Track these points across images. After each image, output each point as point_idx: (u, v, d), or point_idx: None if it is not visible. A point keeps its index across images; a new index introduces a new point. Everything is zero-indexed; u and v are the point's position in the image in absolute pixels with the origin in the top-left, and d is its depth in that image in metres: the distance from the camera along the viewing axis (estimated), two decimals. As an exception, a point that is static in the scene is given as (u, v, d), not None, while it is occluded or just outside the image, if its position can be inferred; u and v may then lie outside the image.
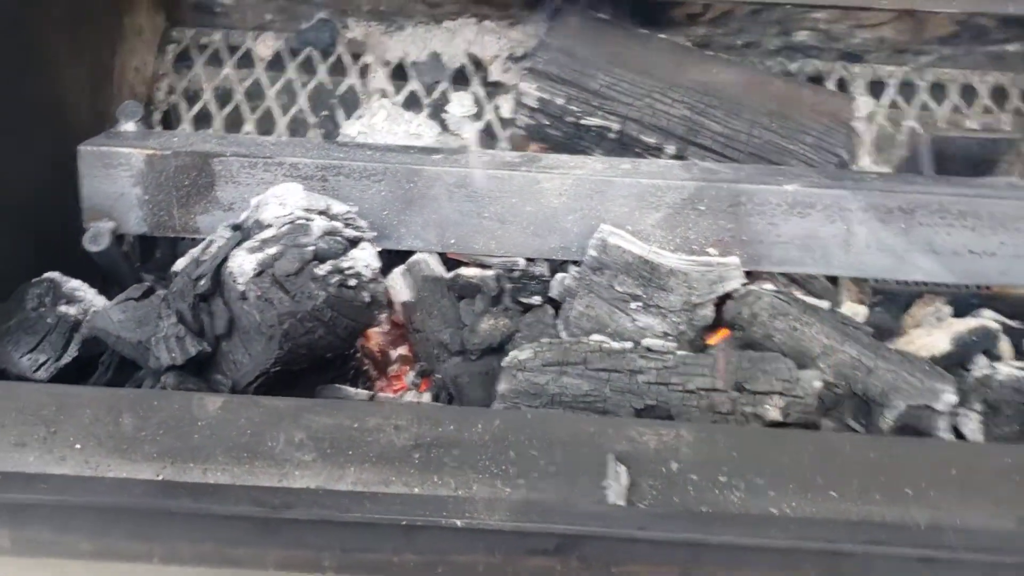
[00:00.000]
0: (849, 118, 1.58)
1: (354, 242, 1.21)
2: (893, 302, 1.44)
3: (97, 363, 1.22)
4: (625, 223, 1.31)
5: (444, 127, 1.77)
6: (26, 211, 1.30)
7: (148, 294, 1.16)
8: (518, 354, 1.19)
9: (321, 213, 1.22)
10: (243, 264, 1.13)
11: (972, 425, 1.19)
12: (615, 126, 1.56)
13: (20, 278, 1.26)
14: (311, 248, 1.15)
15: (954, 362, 1.30)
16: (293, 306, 1.09)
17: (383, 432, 0.93)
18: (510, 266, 1.35)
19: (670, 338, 1.25)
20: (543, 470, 0.91)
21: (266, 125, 1.78)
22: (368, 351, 1.33)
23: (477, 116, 1.79)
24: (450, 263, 1.38)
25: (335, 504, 0.89)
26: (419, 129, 1.76)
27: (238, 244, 1.18)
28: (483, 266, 1.36)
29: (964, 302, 1.43)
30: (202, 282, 1.15)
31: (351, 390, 1.20)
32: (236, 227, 1.23)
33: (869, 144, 1.78)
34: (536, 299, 1.31)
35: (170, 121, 1.77)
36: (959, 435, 1.19)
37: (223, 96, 1.80)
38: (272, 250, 1.14)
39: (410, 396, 1.30)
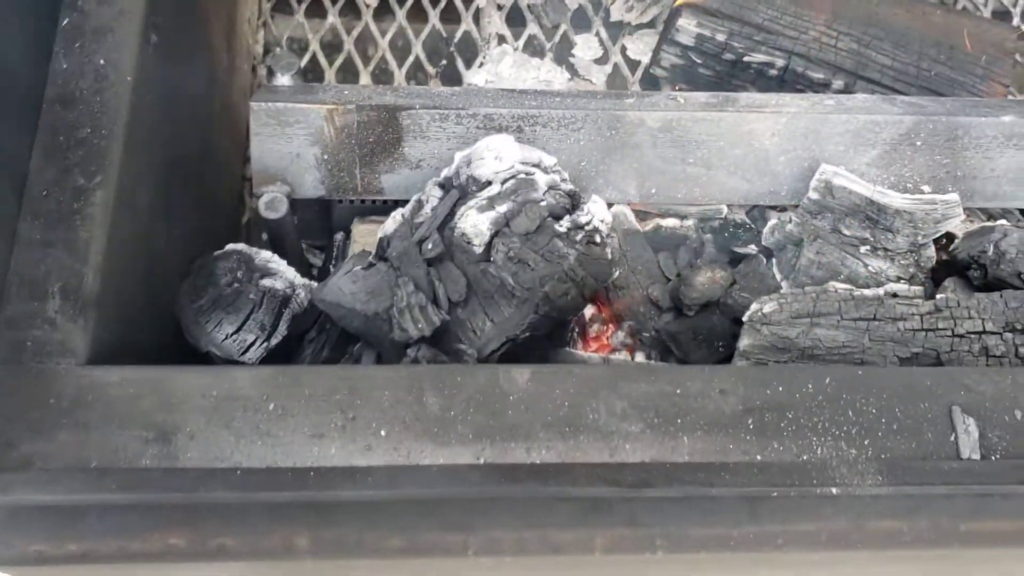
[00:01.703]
0: (1013, 48, 1.52)
1: (571, 195, 1.11)
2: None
3: (303, 341, 1.11)
4: (839, 162, 1.23)
5: (574, 72, 1.67)
6: (189, 169, 1.18)
7: (371, 264, 1.06)
8: (761, 307, 1.12)
9: (536, 166, 1.12)
10: (476, 224, 1.04)
11: None
12: (780, 62, 1.48)
13: (189, 243, 1.15)
14: (543, 203, 1.06)
15: None
16: (549, 267, 1.00)
17: (708, 397, 0.85)
18: (710, 215, 1.27)
19: (904, 281, 1.19)
20: (886, 428, 0.85)
21: (382, 77, 1.66)
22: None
23: (604, 60, 1.69)
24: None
25: (676, 478, 0.82)
26: (548, 75, 1.66)
27: (457, 202, 1.08)
28: (679, 216, 1.28)
29: None
30: (429, 245, 1.05)
31: (583, 354, 1.12)
32: (444, 185, 1.13)
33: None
34: (751, 247, 1.23)
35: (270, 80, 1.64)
36: None
37: (331, 47, 1.67)
38: (503, 208, 1.05)
39: (619, 357, 1.22)
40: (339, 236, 1.34)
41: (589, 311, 1.29)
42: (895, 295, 1.12)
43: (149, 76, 0.99)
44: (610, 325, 1.26)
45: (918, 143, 1.23)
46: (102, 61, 0.94)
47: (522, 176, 1.08)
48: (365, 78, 1.65)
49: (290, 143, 1.19)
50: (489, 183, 1.09)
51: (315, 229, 1.35)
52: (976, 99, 1.35)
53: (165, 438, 0.81)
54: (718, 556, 0.85)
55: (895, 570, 0.92)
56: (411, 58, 1.67)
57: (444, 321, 1.02)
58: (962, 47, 1.49)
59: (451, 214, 1.08)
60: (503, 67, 1.64)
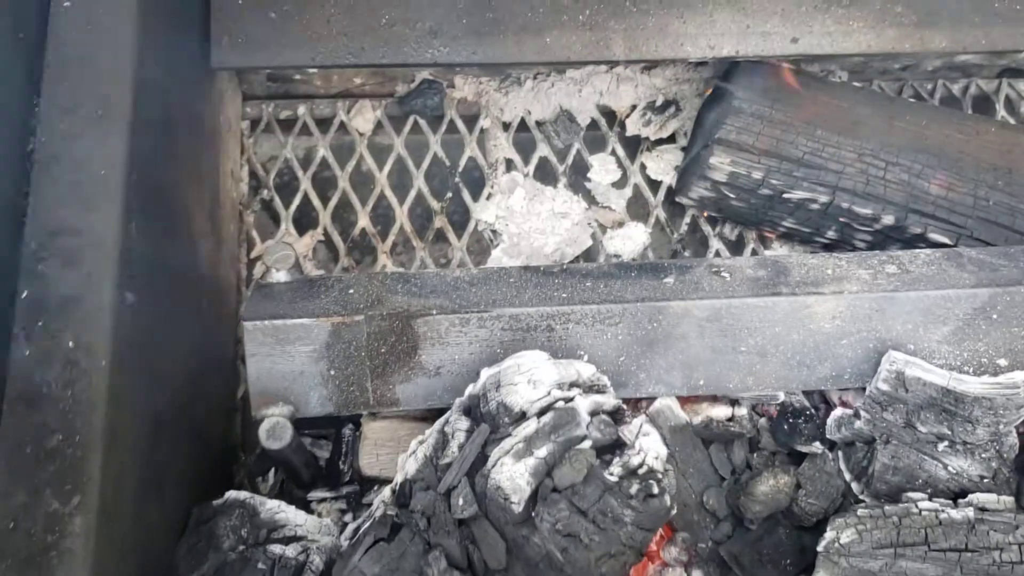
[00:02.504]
0: (1076, 163, 1.39)
1: (615, 414, 0.98)
2: None
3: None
4: (907, 341, 1.10)
5: (591, 200, 1.53)
6: (177, 406, 1.03)
7: (395, 529, 0.92)
8: (837, 535, 0.99)
9: (573, 384, 0.99)
10: (513, 476, 0.90)
11: None
12: (823, 198, 1.34)
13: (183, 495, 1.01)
14: (588, 443, 0.92)
15: None
16: (604, 539, 0.87)
17: None
18: (766, 401, 1.14)
19: (987, 481, 1.06)
20: None
21: (382, 217, 1.51)
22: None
23: (622, 182, 1.55)
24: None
25: None
26: (564, 206, 1.52)
27: (487, 439, 0.94)
28: (732, 401, 1.15)
29: None
30: (460, 502, 0.91)
31: (639, 598, 0.99)
32: (469, 411, 0.99)
33: None
34: (817, 446, 1.10)
35: (263, 221, 1.49)
36: None
37: (323, 184, 1.52)
38: (542, 451, 0.91)
39: (673, 574, 1.09)
40: (348, 430, 1.20)
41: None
42: (984, 509, 1.00)
43: (128, 345, 0.85)
44: (661, 534, 1.13)
45: (994, 316, 1.10)
46: (71, 343, 0.79)
47: (560, 405, 0.95)
48: (364, 220, 1.50)
49: (292, 361, 1.05)
50: (523, 414, 0.95)
51: (319, 419, 1.21)
52: (1048, 248, 1.22)
53: None
54: None
55: None
56: (413, 192, 1.52)
57: (484, 599, 0.88)
58: (1022, 169, 1.36)
59: (482, 454, 0.94)
60: (514, 200, 1.50)
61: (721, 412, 1.14)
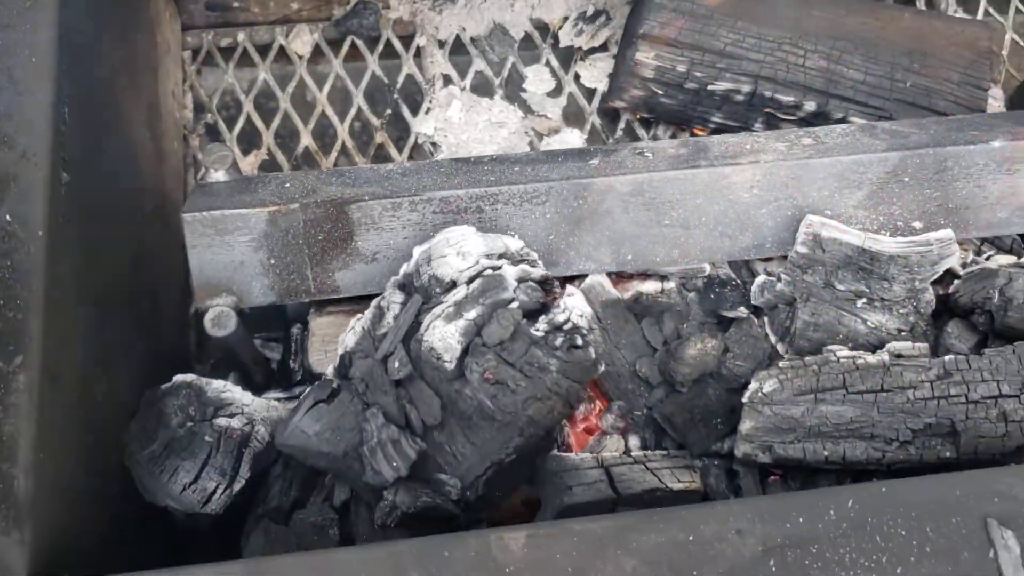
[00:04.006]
0: (988, 47, 1.44)
1: (542, 282, 1.02)
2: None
3: (267, 476, 1.01)
4: (824, 207, 1.15)
5: (527, 109, 1.57)
6: (122, 293, 1.07)
7: (335, 393, 0.96)
8: (761, 386, 1.04)
9: (502, 256, 1.03)
10: (445, 337, 0.94)
11: None
12: (746, 88, 1.39)
13: (133, 379, 1.04)
14: (515, 304, 0.97)
15: None
16: (531, 386, 0.91)
17: (725, 541, 0.77)
18: (693, 274, 1.19)
19: (904, 334, 1.11)
20: (919, 552, 0.77)
21: (323, 132, 1.54)
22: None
23: (557, 91, 1.59)
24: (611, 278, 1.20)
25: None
26: (500, 116, 1.55)
27: (421, 308, 0.99)
28: (659, 276, 1.19)
29: None
30: (396, 364, 0.95)
31: (576, 457, 1.03)
32: (403, 285, 1.03)
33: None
34: (741, 311, 1.15)
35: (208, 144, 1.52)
36: None
37: (265, 106, 1.55)
38: (472, 314, 0.95)
39: (611, 442, 1.14)
40: (296, 329, 1.23)
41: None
42: (900, 355, 1.05)
43: (66, 221, 0.88)
44: (598, 406, 1.18)
45: (906, 179, 1.15)
46: (8, 217, 0.83)
47: (488, 273, 0.99)
48: (306, 138, 1.53)
49: (232, 252, 1.08)
50: (454, 283, 0.99)
51: (269, 320, 1.24)
52: (960, 119, 1.27)
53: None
54: None
55: None
56: (353, 110, 1.55)
57: (420, 451, 0.93)
58: (936, 53, 1.41)
59: (416, 322, 0.98)
60: (452, 112, 1.54)
61: (651, 287, 1.18)
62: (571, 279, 1.17)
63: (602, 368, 1.02)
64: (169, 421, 0.99)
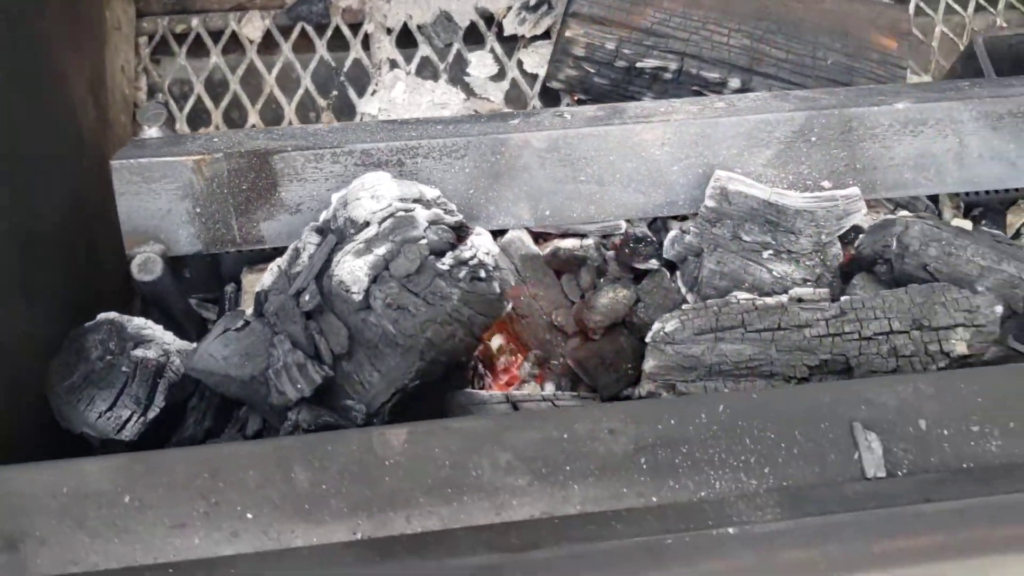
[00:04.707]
0: (909, 28, 1.50)
1: (456, 228, 1.06)
2: (994, 212, 1.37)
3: (185, 408, 1.05)
4: (734, 166, 1.19)
5: (469, 92, 1.62)
6: (54, 238, 1.11)
7: (247, 322, 1.00)
8: (663, 326, 1.07)
9: (417, 201, 1.07)
10: (353, 270, 0.98)
11: None
12: (672, 65, 1.44)
13: (58, 319, 1.08)
14: (424, 241, 1.01)
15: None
16: (430, 311, 0.95)
17: (598, 439, 0.80)
18: (610, 231, 1.23)
19: (809, 283, 1.15)
20: (787, 453, 0.81)
21: (271, 114, 1.60)
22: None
23: (500, 76, 1.64)
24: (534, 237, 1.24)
25: (566, 532, 0.77)
26: (443, 97, 1.61)
27: (335, 248, 1.02)
28: (578, 235, 1.23)
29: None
30: (306, 297, 0.99)
31: (484, 393, 1.07)
32: (321, 230, 1.07)
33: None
34: (653, 263, 1.19)
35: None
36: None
37: (216, 88, 1.61)
38: (382, 250, 0.99)
39: (528, 389, 1.17)
40: (229, 288, 1.27)
41: (496, 342, 1.24)
42: (800, 300, 1.09)
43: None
44: (518, 356, 1.22)
45: (813, 139, 1.20)
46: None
47: (400, 214, 1.03)
48: (254, 117, 1.58)
49: (158, 199, 1.12)
50: (367, 224, 1.03)
51: (205, 282, 1.28)
52: (871, 87, 1.32)
53: (13, 547, 0.74)
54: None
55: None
56: (300, 91, 1.61)
57: (327, 377, 0.96)
58: (856, 33, 1.47)
59: (329, 261, 1.02)
60: (396, 93, 1.59)
61: (569, 243, 1.22)
62: (493, 234, 1.21)
63: (509, 306, 1.06)
64: (89, 355, 1.02)
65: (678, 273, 1.20)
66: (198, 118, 1.58)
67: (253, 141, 1.15)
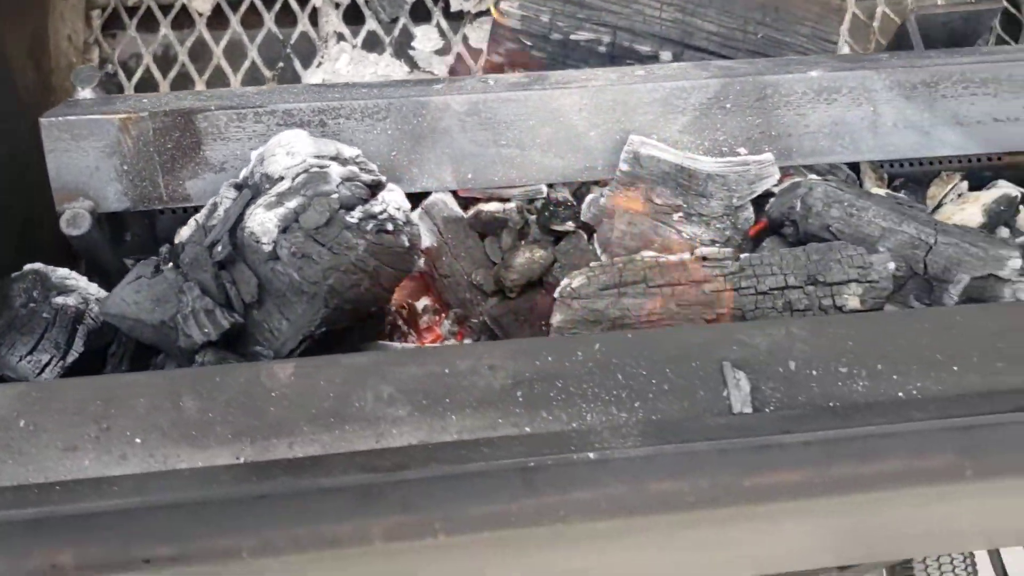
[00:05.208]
0: (839, 4, 1.54)
1: (372, 186, 1.10)
2: (915, 183, 1.40)
3: (106, 355, 1.08)
4: (650, 131, 1.23)
5: (413, 65, 1.66)
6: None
7: (159, 270, 1.03)
8: (570, 282, 1.11)
9: (333, 159, 1.11)
10: (264, 222, 1.02)
11: (1030, 291, 1.16)
12: (606, 38, 1.47)
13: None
14: (335, 196, 1.04)
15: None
16: (334, 259, 0.99)
17: (478, 374, 0.84)
18: (532, 195, 1.26)
19: (719, 245, 1.19)
20: (657, 389, 0.84)
21: (219, 86, 1.63)
22: (394, 305, 1.23)
23: (445, 50, 1.68)
24: (462, 203, 1.28)
25: (442, 457, 0.80)
26: (386, 70, 1.64)
27: (250, 202, 1.06)
28: (502, 199, 1.27)
29: (977, 175, 1.41)
30: (219, 248, 1.03)
31: (396, 345, 1.10)
32: (240, 186, 1.11)
33: (846, 33, 1.74)
34: (569, 225, 1.23)
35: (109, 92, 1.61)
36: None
37: (165, 60, 1.65)
38: (293, 203, 1.03)
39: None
40: (164, 248, 1.31)
41: (422, 301, 1.28)
42: (704, 258, 1.13)
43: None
44: (441, 314, 1.25)
45: (728, 105, 1.24)
46: None
47: (314, 170, 1.07)
48: (200, 86, 1.62)
49: (86, 156, 1.16)
50: (281, 179, 1.07)
51: (145, 243, 1.32)
52: (788, 57, 1.35)
53: (-90, 466, 0.78)
54: (502, 534, 0.84)
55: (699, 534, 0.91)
56: (247, 63, 1.65)
57: (235, 324, 1.00)
58: (788, 7, 1.50)
59: (243, 215, 1.06)
60: (340, 65, 1.63)
61: (492, 206, 1.26)
62: (417, 196, 1.25)
63: (420, 261, 1.10)
64: (13, 303, 1.06)
65: (595, 235, 1.24)
66: (147, 90, 1.62)
67: (179, 101, 1.19)
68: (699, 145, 1.24)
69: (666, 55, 1.48)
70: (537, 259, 1.20)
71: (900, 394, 0.85)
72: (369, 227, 1.02)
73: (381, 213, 1.04)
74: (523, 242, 1.25)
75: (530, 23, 1.49)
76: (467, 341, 1.21)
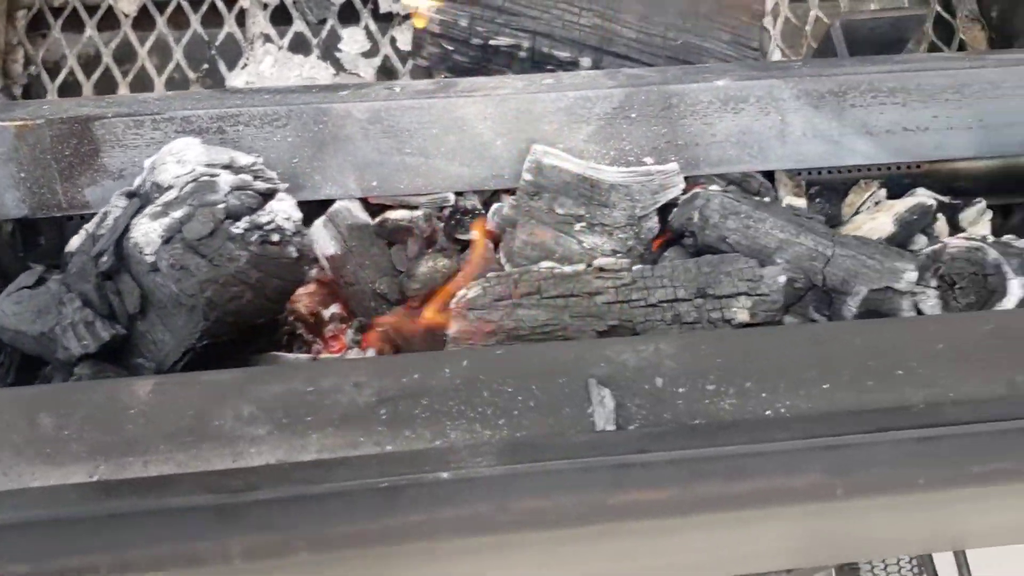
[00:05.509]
0: (762, 10, 1.54)
1: (267, 195, 1.09)
2: (831, 191, 1.40)
3: (-6, 366, 1.08)
4: (555, 141, 1.23)
5: (339, 67, 1.65)
6: None
7: (42, 280, 1.03)
8: (466, 292, 1.11)
9: (226, 167, 1.10)
10: (148, 232, 1.01)
11: (931, 302, 1.16)
12: (525, 43, 1.47)
13: None
14: (221, 206, 1.03)
15: (898, 243, 1.28)
16: (213, 271, 0.98)
17: (342, 392, 0.84)
18: (439, 203, 1.26)
19: (619, 255, 1.19)
20: (523, 406, 0.84)
21: (142, 87, 1.62)
22: (298, 314, 1.22)
23: (373, 52, 1.67)
24: (374, 210, 1.27)
25: (301, 477, 0.80)
26: (312, 72, 1.63)
27: (138, 211, 1.05)
28: (410, 207, 1.26)
29: (897, 183, 1.41)
30: (104, 258, 1.02)
31: (289, 356, 1.10)
32: (132, 194, 1.10)
33: (778, 38, 1.74)
34: (474, 234, 1.22)
35: (31, 96, 1.60)
36: (920, 314, 1.17)
37: (89, 62, 1.63)
38: (178, 213, 1.02)
39: (353, 355, 1.20)
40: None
41: (331, 309, 1.27)
42: (602, 269, 1.12)
43: None
44: (347, 322, 1.25)
45: (633, 115, 1.23)
46: None
47: (203, 179, 1.06)
48: (124, 89, 1.61)
49: (-18, 164, 1.15)
50: (170, 188, 1.06)
51: (56, 249, 1.31)
52: (700, 67, 1.35)
53: None
54: (364, 552, 0.84)
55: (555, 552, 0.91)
56: (172, 65, 1.63)
57: (116, 335, 0.99)
58: (709, 14, 1.50)
59: (131, 224, 1.05)
60: (264, 67, 1.62)
61: (399, 215, 1.25)
62: (322, 204, 1.24)
63: (312, 272, 1.09)
64: (-100, 312, 1.05)
65: (501, 245, 1.24)
66: (70, 92, 1.61)
67: (78, 108, 1.18)
68: (605, 155, 1.24)
69: (586, 61, 1.47)
70: (440, 268, 1.20)
71: (768, 412, 0.85)
72: (253, 238, 1.01)
73: (268, 223, 1.03)
74: (430, 250, 1.25)
75: (449, 28, 1.48)
76: (370, 351, 1.20)
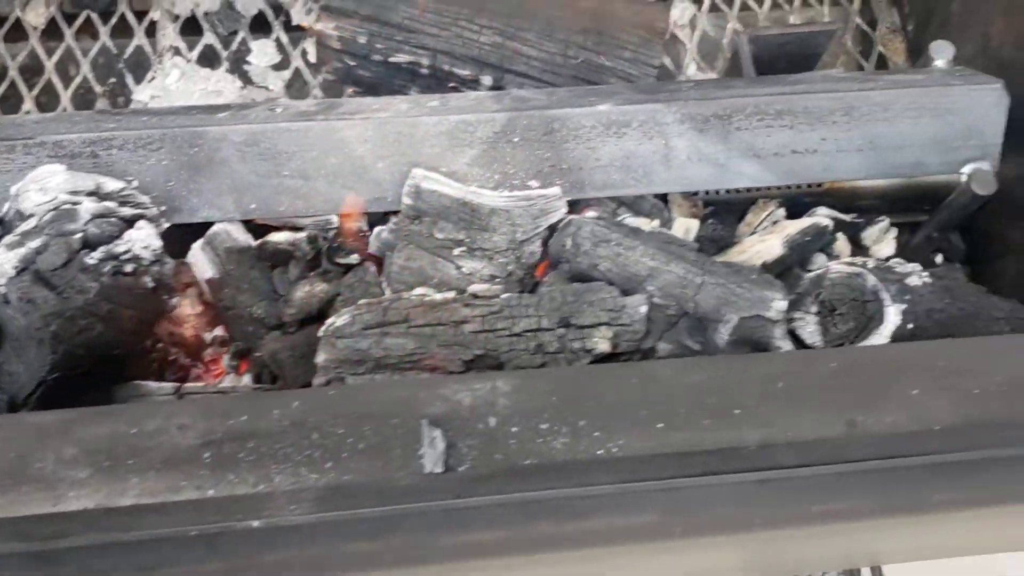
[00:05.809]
0: (665, 28, 1.52)
1: (132, 221, 1.08)
2: (727, 212, 1.40)
3: None
4: (437, 164, 1.22)
5: (248, 80, 1.64)
6: None
7: None
8: (335, 320, 1.10)
9: (91, 194, 1.09)
10: (3, 263, 1.00)
11: (810, 328, 1.16)
12: (425, 61, 1.46)
13: None
14: (79, 236, 1.03)
15: (791, 265, 1.28)
16: (60, 304, 0.97)
17: (166, 434, 0.83)
18: (324, 225, 1.25)
19: (498, 280, 1.18)
20: (352, 449, 0.83)
21: (48, 101, 1.61)
22: (179, 338, 1.21)
23: (283, 65, 1.66)
24: (260, 231, 1.26)
25: (118, 523, 0.79)
26: (218, 85, 1.62)
27: (-2, 241, 1.04)
28: (295, 228, 1.26)
29: (798, 202, 1.41)
30: (-42, 290, 1.01)
31: (154, 385, 1.09)
32: (-4, 222, 1.09)
33: (695, 52, 1.74)
34: (354, 258, 1.21)
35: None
36: (798, 340, 1.16)
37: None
38: (34, 243, 1.01)
39: (229, 380, 1.20)
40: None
41: (214, 332, 1.27)
42: (475, 296, 1.12)
43: None
44: (226, 347, 1.24)
45: (515, 139, 1.22)
46: None
47: (64, 207, 1.05)
48: (29, 104, 1.59)
49: None
50: (31, 216, 1.05)
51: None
52: (588, 89, 1.34)
53: None
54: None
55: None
56: (79, 78, 1.62)
57: (-33, 368, 0.98)
58: (611, 32, 1.49)
59: (-9, 254, 1.04)
60: (171, 80, 1.60)
61: (281, 236, 1.24)
62: (202, 227, 1.23)
63: (175, 301, 1.08)
64: None
65: (384, 268, 1.23)
66: (-26, 105, 1.60)
67: (-45, 131, 1.17)
68: (489, 178, 1.23)
69: (487, 79, 1.46)
70: (317, 293, 1.19)
71: (600, 452, 0.84)
72: (106, 268, 1.00)
73: (124, 253, 1.03)
74: (312, 274, 1.24)
75: (349, 44, 1.47)
76: (246, 376, 1.20)
